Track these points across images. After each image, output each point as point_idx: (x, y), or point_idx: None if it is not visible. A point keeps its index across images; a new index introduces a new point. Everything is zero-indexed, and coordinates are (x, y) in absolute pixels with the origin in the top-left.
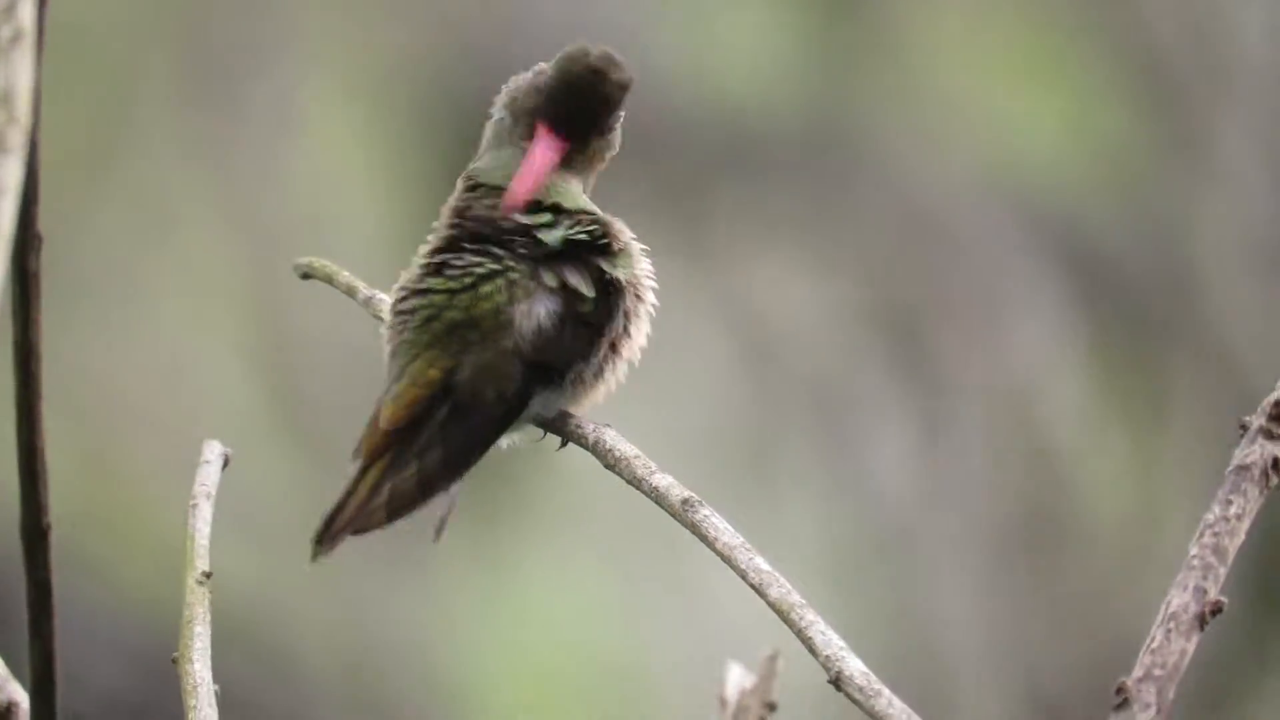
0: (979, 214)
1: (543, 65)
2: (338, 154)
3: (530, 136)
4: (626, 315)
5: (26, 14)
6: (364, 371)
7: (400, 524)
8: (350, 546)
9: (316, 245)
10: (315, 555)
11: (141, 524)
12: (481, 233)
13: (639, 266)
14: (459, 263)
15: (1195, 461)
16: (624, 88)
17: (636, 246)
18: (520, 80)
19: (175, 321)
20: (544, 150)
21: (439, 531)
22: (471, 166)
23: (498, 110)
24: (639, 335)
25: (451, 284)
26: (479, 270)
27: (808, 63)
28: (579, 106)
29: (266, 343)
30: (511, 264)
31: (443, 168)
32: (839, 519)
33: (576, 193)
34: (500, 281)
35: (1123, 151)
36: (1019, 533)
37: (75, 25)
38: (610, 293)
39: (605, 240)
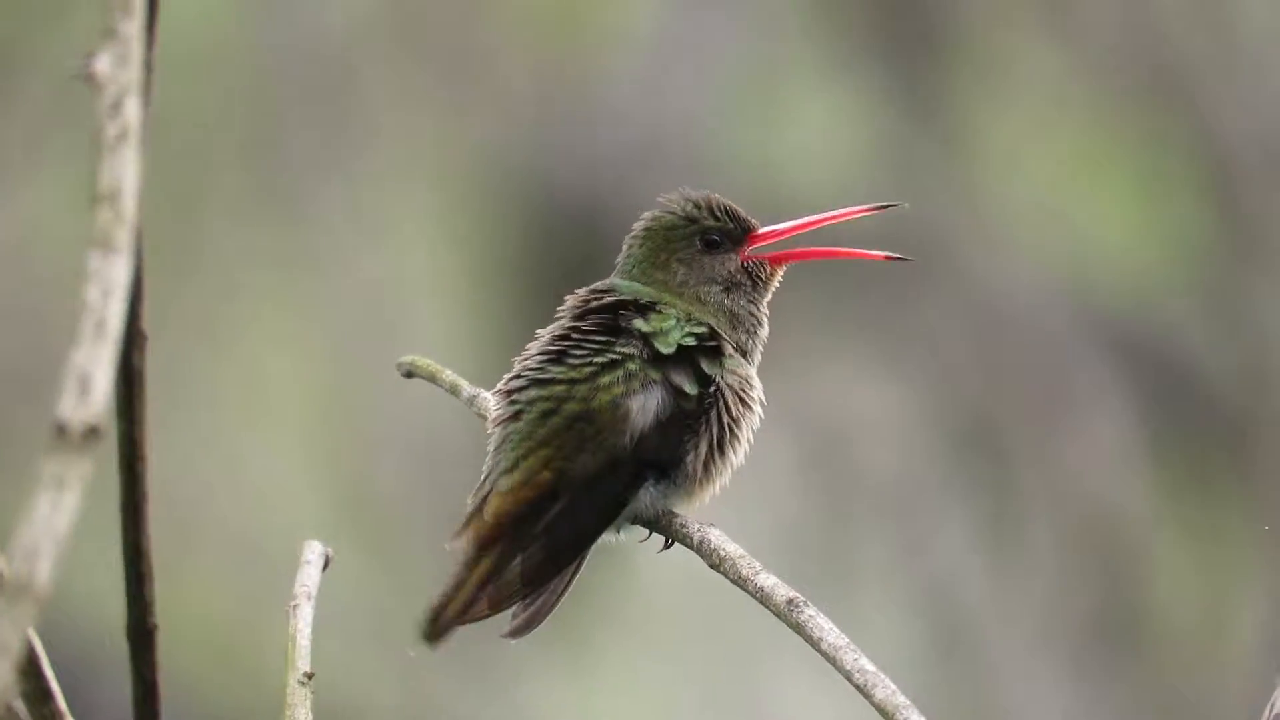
0: (1049, 316)
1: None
2: (411, 256)
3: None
4: (734, 420)
5: (132, 112)
6: (435, 474)
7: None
8: (419, 636)
9: (390, 347)
10: (431, 646)
11: (218, 627)
12: (601, 326)
13: (748, 383)
14: (579, 351)
15: (1266, 560)
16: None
17: (745, 364)
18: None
19: (246, 425)
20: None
21: (524, 629)
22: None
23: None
24: (745, 439)
25: (572, 373)
26: (599, 360)
27: (879, 165)
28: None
29: (338, 446)
30: (630, 353)
31: (517, 268)
32: (910, 619)
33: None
34: (619, 372)
35: (1193, 253)
36: (1092, 631)
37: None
38: (714, 392)
39: (714, 344)
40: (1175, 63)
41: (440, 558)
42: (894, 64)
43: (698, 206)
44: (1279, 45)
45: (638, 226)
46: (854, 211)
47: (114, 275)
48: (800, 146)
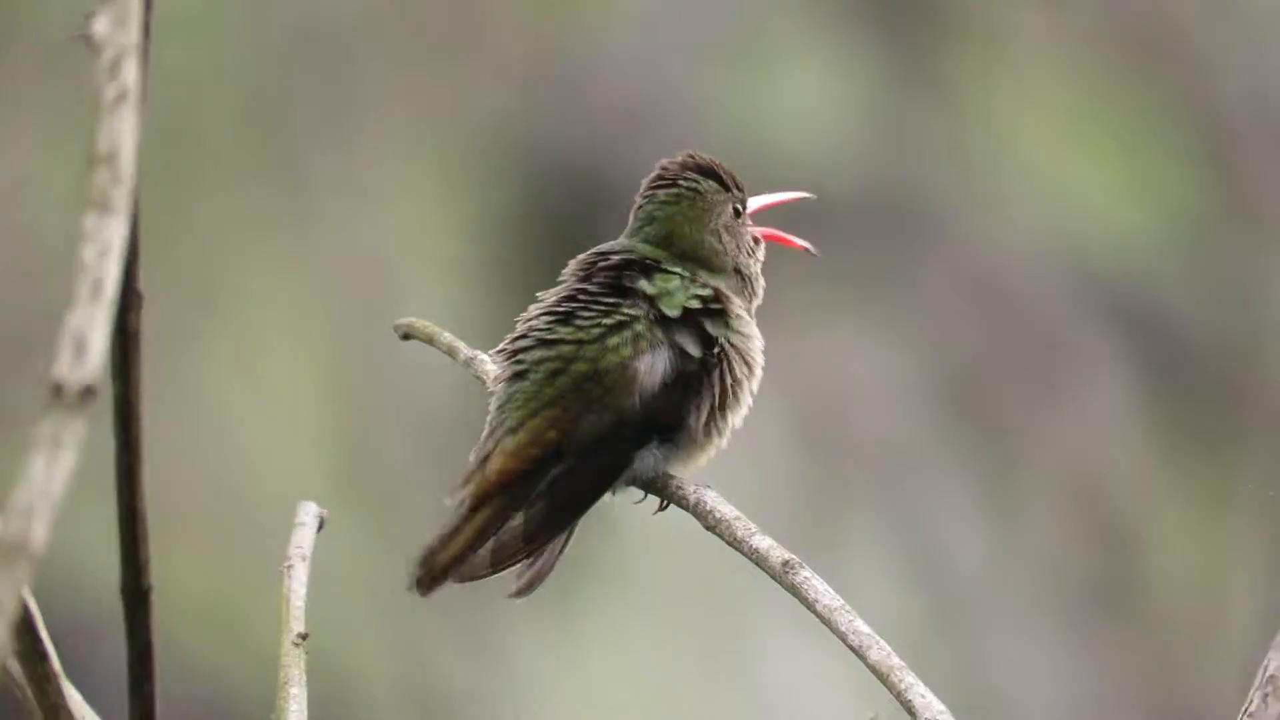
0: (1043, 279)
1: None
2: (408, 220)
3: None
4: (736, 381)
5: (130, 74)
6: (433, 439)
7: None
8: (415, 599)
9: (387, 312)
10: (422, 593)
11: (212, 590)
12: (607, 287)
13: (752, 343)
14: (587, 313)
15: (1261, 526)
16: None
17: (751, 323)
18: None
19: (243, 389)
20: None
21: (526, 589)
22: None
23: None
24: (745, 401)
25: (580, 334)
26: (607, 321)
27: (872, 129)
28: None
29: (335, 410)
30: (636, 314)
31: (513, 233)
32: (904, 585)
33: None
34: (627, 334)
35: (1187, 217)
36: (1087, 598)
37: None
38: (717, 354)
39: (718, 306)
40: (1170, 27)
41: (437, 523)
42: (888, 27)
43: (730, 176)
44: (1274, 10)
45: (663, 193)
46: (788, 198)
47: (111, 236)
48: (794, 110)
